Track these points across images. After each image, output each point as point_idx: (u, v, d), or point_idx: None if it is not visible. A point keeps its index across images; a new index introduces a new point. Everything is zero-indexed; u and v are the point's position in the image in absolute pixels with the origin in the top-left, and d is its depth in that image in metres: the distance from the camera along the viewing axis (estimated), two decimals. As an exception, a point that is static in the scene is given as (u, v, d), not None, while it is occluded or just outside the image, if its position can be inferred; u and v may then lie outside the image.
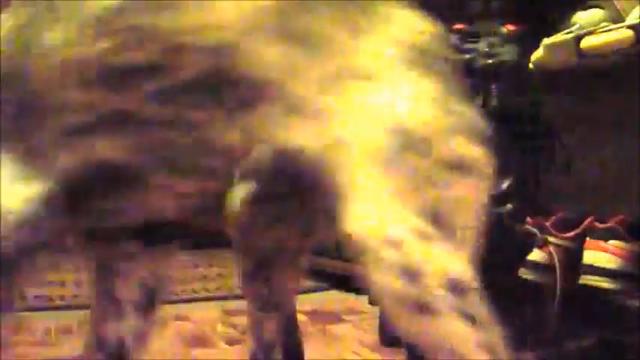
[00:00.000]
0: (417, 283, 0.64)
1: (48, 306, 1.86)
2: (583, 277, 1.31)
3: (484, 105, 2.08)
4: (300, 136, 0.70)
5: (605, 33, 1.31)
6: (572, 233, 1.35)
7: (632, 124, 1.64)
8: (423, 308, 0.64)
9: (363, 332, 1.69)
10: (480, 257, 0.71)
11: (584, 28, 1.36)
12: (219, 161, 0.74)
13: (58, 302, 1.89)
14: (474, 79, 1.85)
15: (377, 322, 1.60)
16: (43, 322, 1.68)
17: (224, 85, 0.72)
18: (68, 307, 1.85)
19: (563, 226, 1.37)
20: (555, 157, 1.64)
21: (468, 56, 1.69)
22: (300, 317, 1.84)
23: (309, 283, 2.30)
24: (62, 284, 2.03)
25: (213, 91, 0.72)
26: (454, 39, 1.77)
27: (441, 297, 0.64)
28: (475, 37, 1.74)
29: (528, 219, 1.39)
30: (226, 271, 2.50)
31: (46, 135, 0.72)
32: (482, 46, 1.69)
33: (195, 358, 1.46)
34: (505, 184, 1.50)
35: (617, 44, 1.29)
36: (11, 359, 1.40)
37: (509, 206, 1.49)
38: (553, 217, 1.39)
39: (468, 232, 0.72)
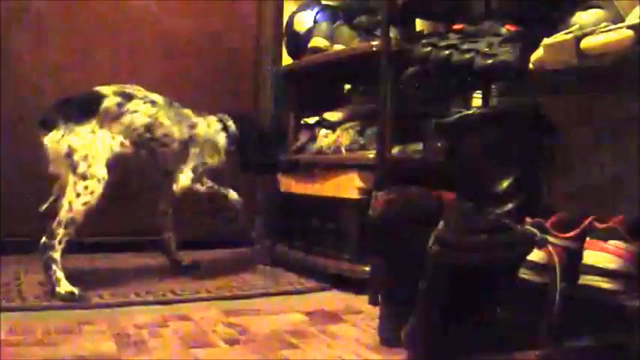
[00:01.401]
0: None
1: (48, 306, 1.86)
2: (583, 277, 1.31)
3: (484, 105, 2.08)
4: None
5: (605, 33, 1.31)
6: (572, 233, 1.35)
7: (632, 124, 1.64)
8: None
9: (363, 332, 1.69)
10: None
11: (584, 28, 1.36)
12: None
13: (59, 302, 1.89)
14: (473, 79, 1.85)
15: (377, 322, 1.60)
16: (43, 322, 1.68)
17: None
18: (68, 307, 1.85)
19: (563, 226, 1.37)
20: (555, 157, 1.64)
21: (467, 56, 1.69)
22: (300, 317, 1.84)
23: (309, 283, 2.30)
24: (62, 284, 2.03)
25: None
26: (454, 39, 1.77)
27: None
28: (475, 37, 1.73)
29: (528, 219, 1.39)
30: (226, 271, 2.51)
31: None
32: (482, 46, 1.68)
33: (195, 358, 1.45)
34: (505, 184, 1.50)
35: (617, 44, 1.29)
36: (11, 359, 1.40)
37: (509, 206, 1.49)
38: (553, 217, 1.38)
39: None
